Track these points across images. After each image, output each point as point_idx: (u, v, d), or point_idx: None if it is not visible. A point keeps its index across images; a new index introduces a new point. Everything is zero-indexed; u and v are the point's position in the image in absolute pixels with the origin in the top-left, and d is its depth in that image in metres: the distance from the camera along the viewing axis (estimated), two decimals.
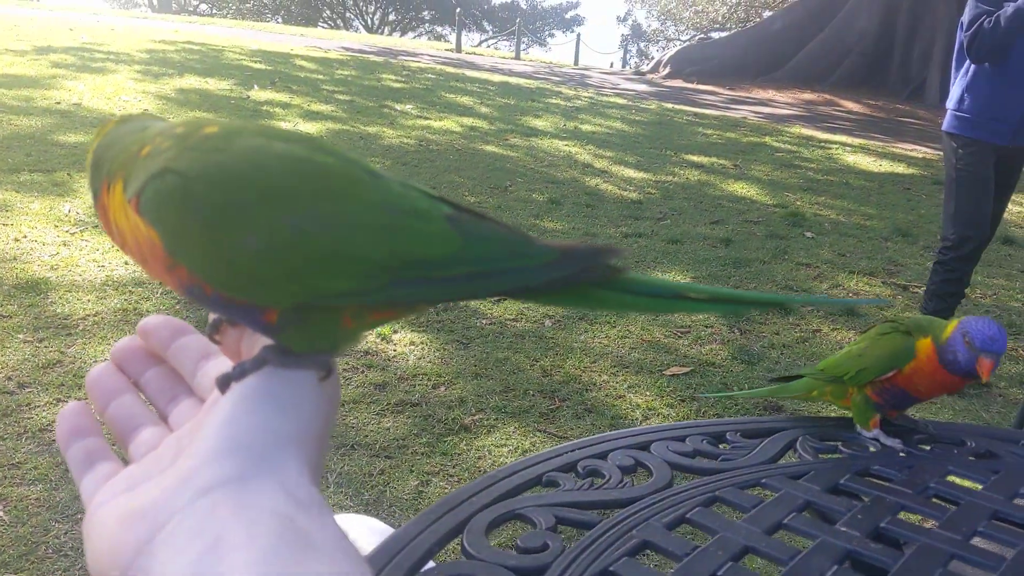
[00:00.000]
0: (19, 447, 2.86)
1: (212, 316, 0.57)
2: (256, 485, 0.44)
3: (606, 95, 16.23)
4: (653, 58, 28.45)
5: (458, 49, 25.86)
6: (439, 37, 43.98)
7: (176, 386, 0.57)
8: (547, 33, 48.27)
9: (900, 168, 10.43)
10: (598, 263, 0.53)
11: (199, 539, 0.41)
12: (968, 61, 4.10)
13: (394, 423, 3.25)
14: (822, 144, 11.82)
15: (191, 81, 11.27)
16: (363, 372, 3.60)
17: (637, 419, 3.46)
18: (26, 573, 2.32)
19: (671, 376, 3.88)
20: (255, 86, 11.44)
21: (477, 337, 4.12)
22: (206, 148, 0.48)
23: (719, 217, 6.98)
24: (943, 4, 19.22)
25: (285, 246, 0.46)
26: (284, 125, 8.29)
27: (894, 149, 12.05)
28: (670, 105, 15.09)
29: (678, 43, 34.44)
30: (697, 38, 33.49)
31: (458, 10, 27.45)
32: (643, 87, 19.28)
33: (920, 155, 11.70)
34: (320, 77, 13.65)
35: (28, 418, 3.03)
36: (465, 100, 12.81)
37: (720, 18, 34.77)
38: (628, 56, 35.22)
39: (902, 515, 1.05)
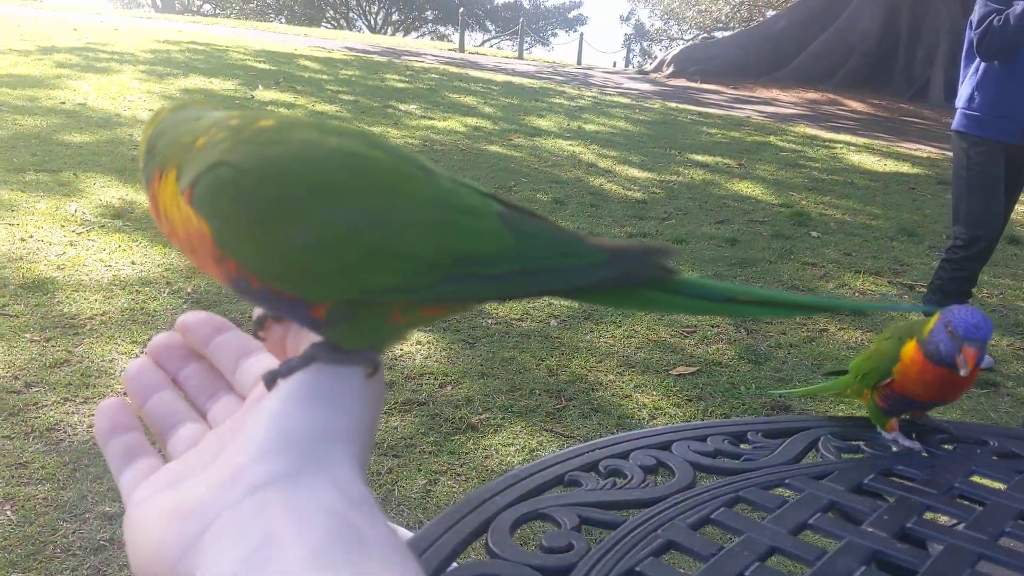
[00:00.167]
0: (26, 446, 2.85)
1: (257, 313, 0.57)
2: (308, 482, 0.43)
3: (609, 94, 16.22)
4: (656, 57, 28.44)
5: (461, 49, 25.86)
6: (442, 37, 44.02)
7: (215, 383, 0.57)
8: (550, 33, 48.34)
9: (905, 168, 10.42)
10: (649, 264, 0.52)
11: (249, 537, 0.40)
12: (977, 60, 4.08)
13: (401, 422, 3.24)
14: (826, 143, 11.80)
15: (196, 81, 11.28)
16: None
17: (644, 419, 3.45)
18: (34, 573, 2.32)
19: (677, 376, 3.87)
20: (259, 86, 11.45)
21: (483, 337, 4.11)
22: (261, 141, 0.48)
23: (724, 217, 6.97)
24: (944, 4, 19.21)
25: (336, 241, 0.46)
26: None
27: (899, 148, 12.03)
28: (674, 104, 15.08)
29: (681, 42, 34.42)
30: (700, 37, 33.49)
31: (461, 10, 27.44)
32: (646, 86, 19.26)
33: (925, 155, 11.67)
34: (324, 77, 13.65)
35: (35, 417, 3.03)
36: (469, 100, 12.80)
37: (723, 17, 34.76)
38: (631, 55, 35.24)
39: (927, 515, 1.04)
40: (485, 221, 0.50)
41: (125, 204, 5.60)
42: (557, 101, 14.03)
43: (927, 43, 19.41)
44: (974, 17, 3.99)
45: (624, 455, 1.07)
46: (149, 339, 3.65)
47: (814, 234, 6.64)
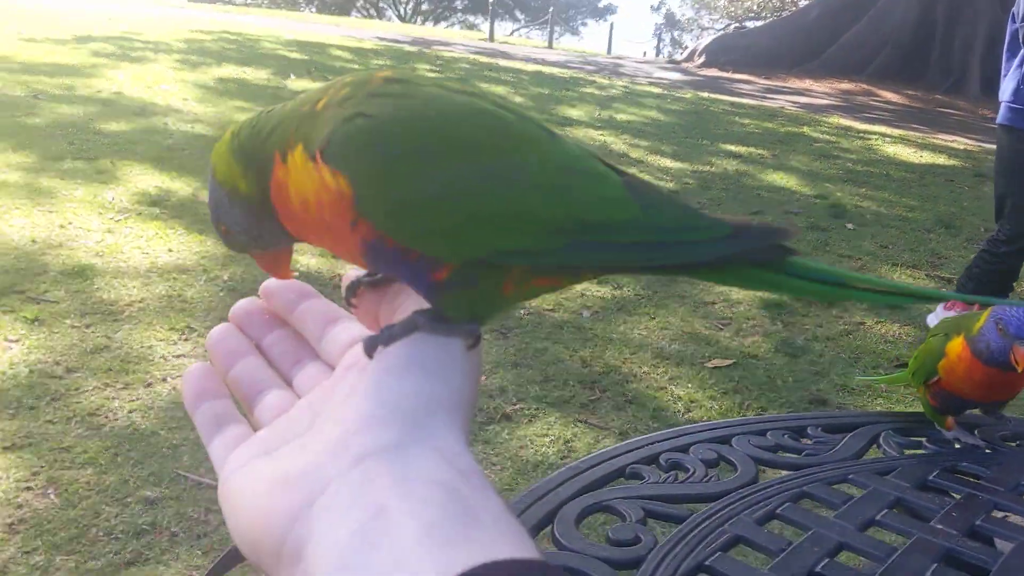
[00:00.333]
0: (68, 431, 2.89)
1: (348, 279, 0.56)
2: (416, 452, 0.42)
3: (640, 84, 16.11)
4: (687, 47, 28.20)
5: (491, 38, 25.82)
6: (472, 27, 43.90)
7: (300, 350, 0.56)
8: (580, 22, 48.11)
9: (941, 159, 10.25)
10: (771, 243, 0.51)
11: (360, 508, 0.40)
12: (1022, 52, 3.99)
13: None
14: (861, 135, 11.65)
15: (229, 70, 11.34)
16: None
17: (679, 411, 3.43)
18: (77, 556, 2.34)
19: (713, 368, 3.84)
20: (292, 75, 11.49)
21: (515, 327, 4.10)
22: (392, 93, 0.48)
23: (758, 208, 6.90)
24: None
25: (470, 195, 0.46)
26: None
27: (935, 140, 11.85)
28: (705, 94, 14.95)
29: (712, 32, 34.11)
30: (732, 27, 33.16)
31: None
32: (677, 76, 19.12)
33: (961, 147, 11.48)
34: (356, 67, 13.69)
35: (77, 402, 3.06)
36: (499, 90, 12.77)
37: (755, 7, 34.38)
38: (661, 45, 34.93)
39: (994, 512, 1.01)
40: (613, 189, 0.49)
41: (161, 192, 5.65)
42: (588, 91, 13.96)
43: (964, 34, 19.06)
44: (1017, 10, 3.90)
45: (684, 448, 1.06)
46: (186, 326, 3.67)
47: (850, 226, 6.56)
